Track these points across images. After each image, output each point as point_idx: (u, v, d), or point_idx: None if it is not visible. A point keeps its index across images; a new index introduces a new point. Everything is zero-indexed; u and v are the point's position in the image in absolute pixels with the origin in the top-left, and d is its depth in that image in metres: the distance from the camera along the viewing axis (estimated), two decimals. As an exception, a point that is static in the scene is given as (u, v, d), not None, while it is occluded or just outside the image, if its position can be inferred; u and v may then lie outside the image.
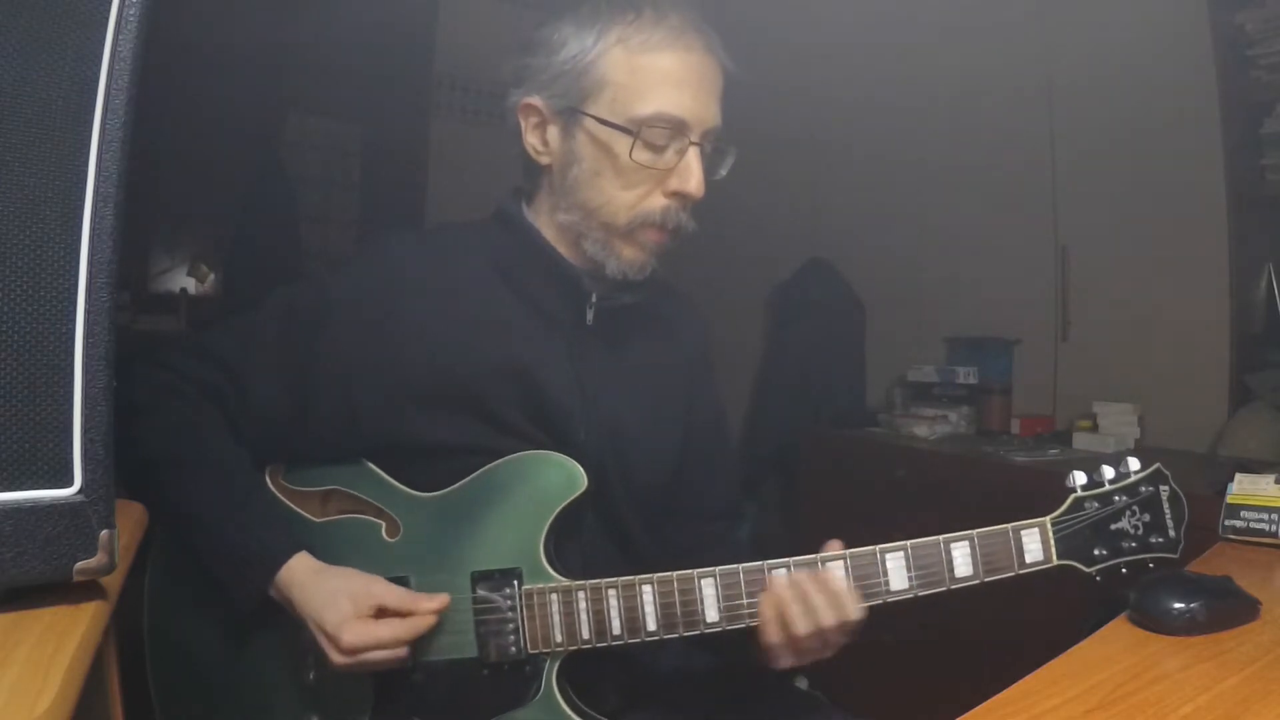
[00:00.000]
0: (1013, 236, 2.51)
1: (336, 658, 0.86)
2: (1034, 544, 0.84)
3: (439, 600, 0.90)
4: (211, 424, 0.96)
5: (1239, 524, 1.09)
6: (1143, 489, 0.86)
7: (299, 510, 0.99)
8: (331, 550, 0.94)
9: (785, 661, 0.88)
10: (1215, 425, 2.05)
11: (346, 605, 0.87)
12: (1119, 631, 0.81)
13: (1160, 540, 0.85)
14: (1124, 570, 0.85)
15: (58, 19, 0.57)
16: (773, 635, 0.86)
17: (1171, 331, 2.17)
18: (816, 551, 0.88)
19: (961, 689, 0.73)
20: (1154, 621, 0.80)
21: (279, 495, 0.99)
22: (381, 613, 0.88)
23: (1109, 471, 0.87)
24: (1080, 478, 0.86)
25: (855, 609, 0.84)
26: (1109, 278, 2.30)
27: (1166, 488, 0.86)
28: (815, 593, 0.84)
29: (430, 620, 0.89)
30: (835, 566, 0.86)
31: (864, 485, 2.35)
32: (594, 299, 0.99)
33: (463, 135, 3.07)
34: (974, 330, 2.58)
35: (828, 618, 0.84)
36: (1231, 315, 2.07)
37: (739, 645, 0.92)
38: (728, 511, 1.17)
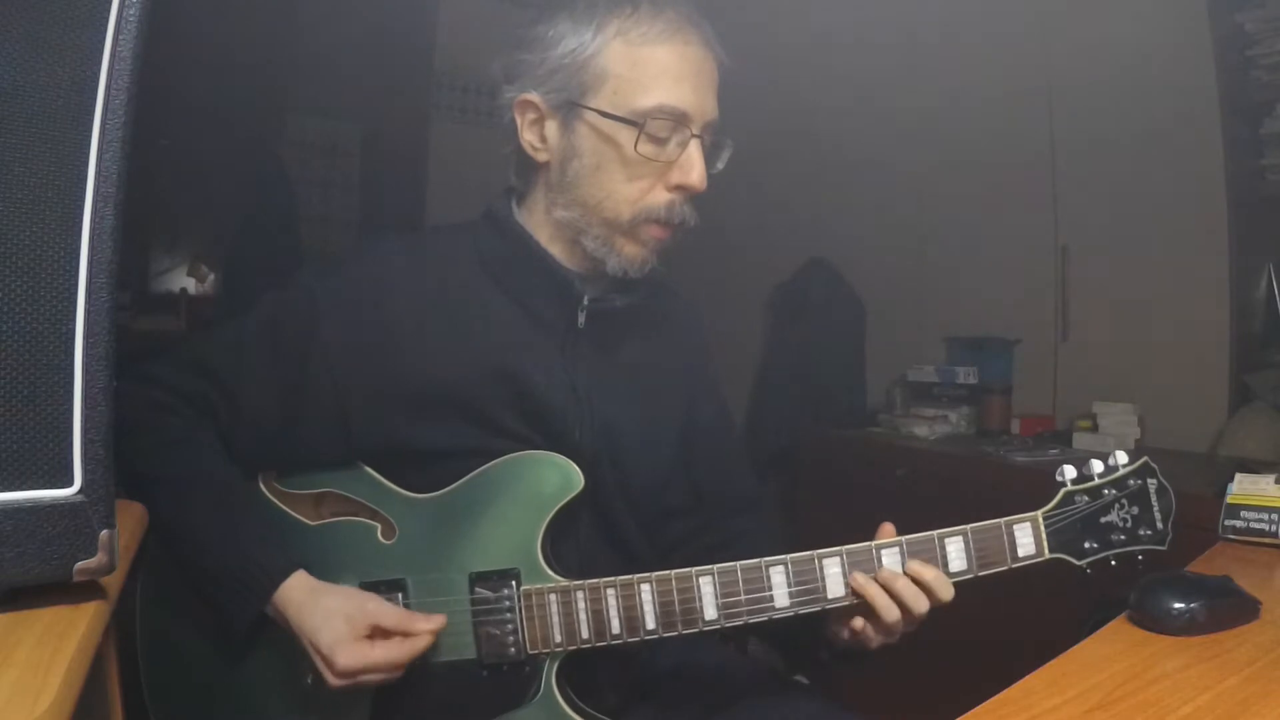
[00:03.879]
0: (1013, 236, 2.51)
1: (331, 679, 0.86)
2: (1026, 538, 0.85)
3: (436, 621, 0.89)
4: (202, 440, 0.95)
5: (1239, 524, 1.09)
6: (1131, 482, 0.87)
7: (293, 514, 0.98)
8: (327, 554, 0.94)
9: (876, 643, 0.90)
10: (1215, 425, 2.06)
11: (342, 626, 0.86)
12: (1119, 631, 0.81)
13: (1148, 533, 0.86)
14: (1113, 563, 0.85)
15: (58, 19, 0.57)
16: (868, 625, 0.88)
17: (1171, 331, 2.17)
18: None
19: (961, 689, 0.73)
20: (1154, 621, 0.80)
21: (273, 499, 0.99)
22: (377, 632, 0.88)
23: (1098, 465, 0.87)
24: (1070, 472, 0.87)
25: (948, 592, 0.85)
26: (1109, 278, 2.30)
27: (1154, 481, 0.87)
28: (906, 588, 0.85)
29: (427, 641, 0.88)
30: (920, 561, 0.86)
31: (864, 485, 2.35)
32: (585, 302, 0.98)
33: (462, 135, 3.07)
34: (974, 330, 2.58)
35: (921, 606, 0.85)
36: (1231, 315, 2.07)
37: (816, 627, 0.93)
38: (751, 503, 1.15)
